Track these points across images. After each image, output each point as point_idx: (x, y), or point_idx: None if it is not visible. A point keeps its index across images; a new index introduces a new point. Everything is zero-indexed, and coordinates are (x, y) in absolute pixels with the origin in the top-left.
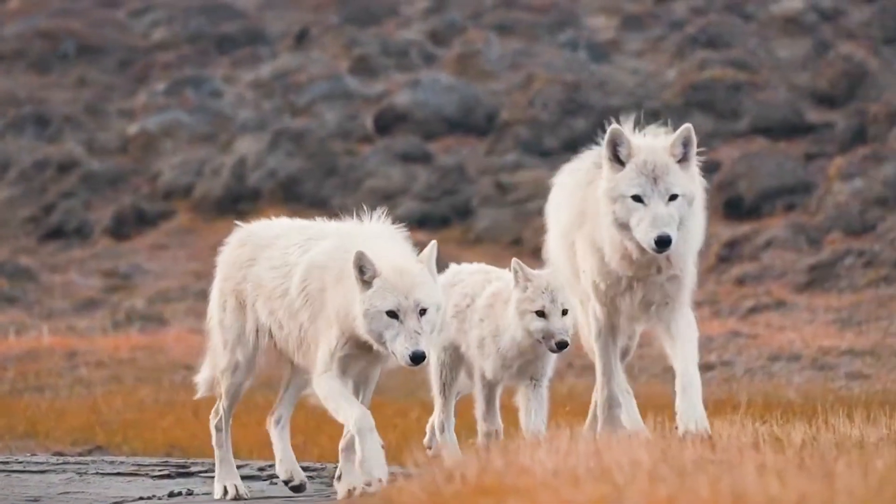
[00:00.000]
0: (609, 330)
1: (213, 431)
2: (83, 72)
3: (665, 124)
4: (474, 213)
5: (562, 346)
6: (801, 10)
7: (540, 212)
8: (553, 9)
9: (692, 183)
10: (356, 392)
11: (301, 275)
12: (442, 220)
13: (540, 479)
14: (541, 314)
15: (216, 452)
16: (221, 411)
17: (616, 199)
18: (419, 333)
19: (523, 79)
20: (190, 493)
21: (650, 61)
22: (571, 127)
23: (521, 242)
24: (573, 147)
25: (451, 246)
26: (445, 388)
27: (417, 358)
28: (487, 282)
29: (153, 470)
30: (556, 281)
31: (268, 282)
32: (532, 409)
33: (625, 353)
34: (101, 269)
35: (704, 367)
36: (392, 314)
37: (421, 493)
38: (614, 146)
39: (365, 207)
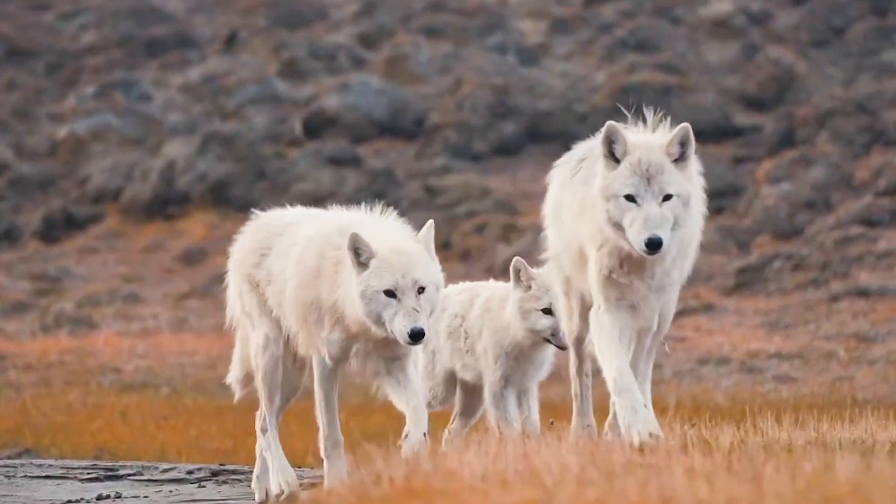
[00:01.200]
0: (614, 328)
1: (259, 434)
2: (12, 75)
3: (664, 119)
4: (403, 216)
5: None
6: (729, 13)
7: (468, 214)
8: (482, 12)
9: (688, 183)
10: (396, 381)
11: (297, 256)
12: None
13: (468, 482)
14: (547, 311)
15: (266, 457)
16: (264, 410)
17: (609, 197)
18: (418, 311)
19: (452, 82)
20: (118, 496)
21: (579, 65)
22: (500, 130)
23: (450, 246)
24: (502, 150)
25: None
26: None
27: (416, 335)
28: (476, 296)
29: (82, 473)
30: None
31: (276, 269)
32: (527, 406)
33: (645, 331)
34: (31, 273)
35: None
36: (390, 293)
37: (349, 495)
38: (610, 143)
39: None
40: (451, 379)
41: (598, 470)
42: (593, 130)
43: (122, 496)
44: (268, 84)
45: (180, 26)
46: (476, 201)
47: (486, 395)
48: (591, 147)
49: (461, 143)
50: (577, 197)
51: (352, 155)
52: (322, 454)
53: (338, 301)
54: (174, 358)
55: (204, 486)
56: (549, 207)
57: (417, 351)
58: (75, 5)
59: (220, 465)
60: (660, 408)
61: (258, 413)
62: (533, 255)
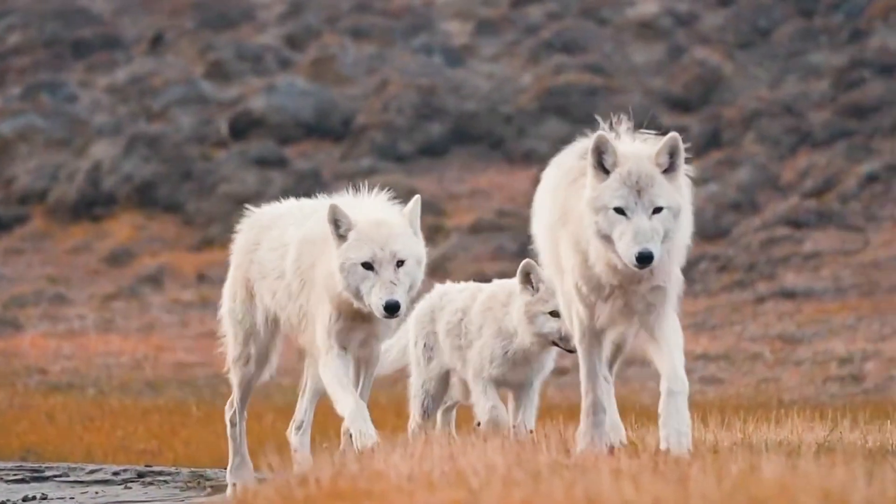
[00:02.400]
0: (593, 332)
1: (228, 425)
2: None
3: (658, 125)
4: None
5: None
6: (655, 14)
7: None
8: (408, 13)
9: (678, 194)
10: (357, 372)
11: (294, 253)
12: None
13: (394, 483)
14: (555, 314)
15: (230, 445)
16: (235, 404)
17: (599, 210)
18: (395, 284)
19: (378, 83)
20: (44, 497)
21: (505, 66)
22: (426, 131)
23: None
24: (428, 151)
25: None
26: (426, 415)
27: (391, 307)
28: (479, 291)
29: (7, 474)
30: None
31: (268, 263)
32: (523, 405)
33: (618, 350)
34: None
35: (558, 372)
36: (367, 266)
37: (275, 496)
38: (599, 154)
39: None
40: (444, 377)
41: (524, 471)
42: (519, 131)
43: (49, 497)
44: (194, 85)
45: (106, 27)
46: (402, 202)
47: (473, 388)
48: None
49: (387, 144)
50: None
51: (278, 156)
52: (350, 431)
53: (327, 279)
54: (100, 359)
55: (130, 488)
56: (546, 208)
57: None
58: (1, 6)
59: (146, 466)
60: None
61: (228, 404)
62: (459, 255)
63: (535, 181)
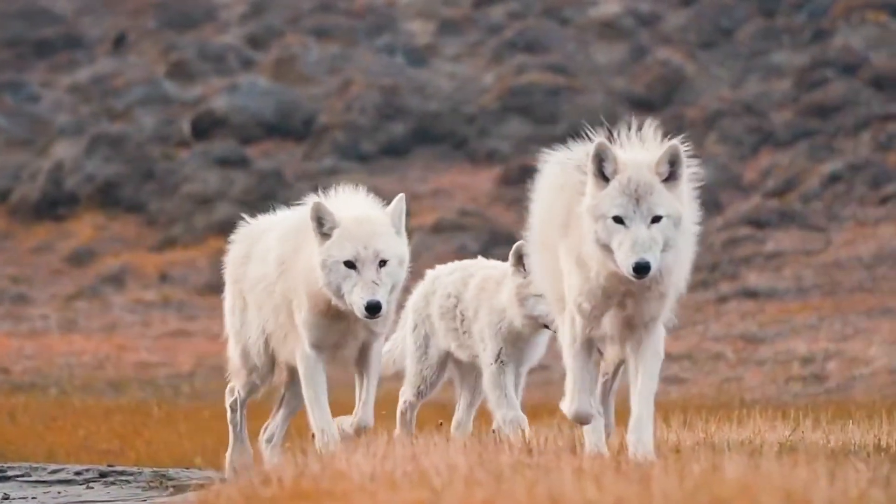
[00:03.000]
0: (584, 342)
1: (228, 410)
2: None
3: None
4: None
5: None
6: (618, 14)
7: None
8: (370, 13)
9: (678, 202)
10: (360, 378)
11: (275, 250)
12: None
13: (357, 483)
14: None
15: (230, 431)
16: (237, 392)
17: (598, 218)
18: (377, 284)
19: (341, 83)
20: (6, 497)
21: (468, 66)
22: (389, 131)
23: None
24: (391, 151)
25: None
26: (420, 395)
27: (373, 308)
28: (470, 276)
29: None
30: None
31: (256, 274)
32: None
33: (618, 367)
34: None
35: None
36: (350, 264)
37: (238, 496)
38: (600, 161)
39: (183, 212)
40: (443, 361)
41: (486, 471)
42: (482, 131)
43: (10, 497)
44: (156, 85)
45: (69, 27)
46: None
47: (485, 377)
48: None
49: (349, 143)
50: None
51: (240, 156)
52: (317, 447)
53: (308, 273)
54: (63, 359)
55: (92, 488)
56: (544, 211)
57: (377, 348)
58: None
59: (109, 465)
60: (549, 409)
61: (228, 389)
62: (422, 255)
63: (498, 181)
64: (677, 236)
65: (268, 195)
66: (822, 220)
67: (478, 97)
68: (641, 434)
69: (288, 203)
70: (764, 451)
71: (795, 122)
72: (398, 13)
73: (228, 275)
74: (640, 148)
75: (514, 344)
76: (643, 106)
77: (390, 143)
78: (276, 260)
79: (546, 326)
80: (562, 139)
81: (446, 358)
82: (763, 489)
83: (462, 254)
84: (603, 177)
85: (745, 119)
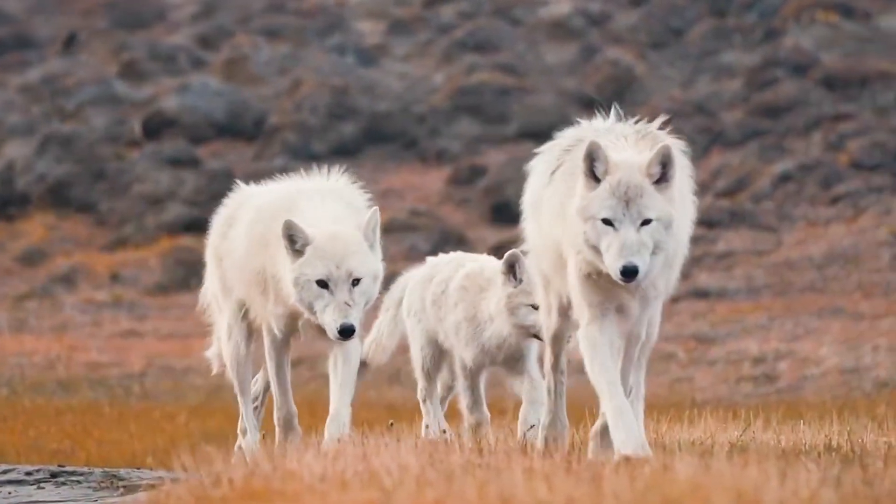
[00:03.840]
0: (603, 313)
1: (239, 435)
2: None
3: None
4: None
5: None
6: (568, 14)
7: None
8: (321, 13)
9: (670, 205)
10: (334, 366)
11: (245, 230)
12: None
13: (307, 483)
14: (537, 307)
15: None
16: (242, 409)
17: (587, 219)
18: (350, 305)
19: (291, 83)
20: None
21: (418, 66)
22: (339, 131)
23: None
24: (341, 151)
25: None
26: (429, 377)
27: (346, 331)
28: (461, 266)
29: None
30: None
31: (234, 240)
32: (521, 377)
33: (633, 339)
34: None
35: None
36: (322, 284)
37: (188, 496)
38: (591, 161)
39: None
40: (435, 342)
41: (437, 471)
42: (432, 131)
43: None
44: (107, 85)
45: (19, 27)
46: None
47: (458, 377)
48: (579, 137)
49: (300, 143)
50: (557, 193)
51: (191, 156)
52: (276, 425)
53: (277, 275)
54: (13, 359)
55: (43, 488)
56: (528, 200)
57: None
58: None
59: (59, 466)
60: (499, 409)
61: (242, 417)
62: None
63: (449, 180)
64: (668, 239)
65: (218, 195)
66: (773, 220)
67: (428, 97)
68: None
69: None
70: (715, 452)
71: (746, 122)
72: (348, 13)
73: (210, 238)
74: (634, 147)
75: (493, 352)
76: (593, 106)
77: (340, 143)
78: (246, 237)
79: (536, 336)
80: (512, 139)
81: (439, 350)
82: (714, 489)
83: (413, 254)
84: (594, 177)
85: (696, 119)
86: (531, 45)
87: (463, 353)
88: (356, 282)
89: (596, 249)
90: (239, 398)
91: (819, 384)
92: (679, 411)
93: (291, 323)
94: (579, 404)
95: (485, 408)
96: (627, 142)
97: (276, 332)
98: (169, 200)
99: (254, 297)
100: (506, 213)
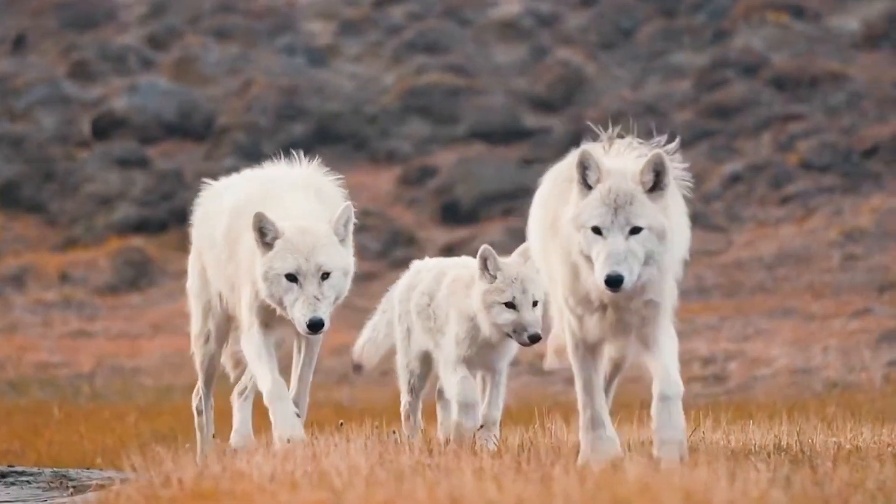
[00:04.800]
0: (586, 344)
1: (195, 414)
2: None
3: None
4: (192, 218)
5: (534, 339)
6: (518, 15)
7: None
8: (271, 14)
9: (662, 214)
10: (298, 349)
11: (225, 221)
12: (160, 225)
13: (257, 483)
14: (510, 306)
15: (197, 435)
16: (200, 390)
17: (579, 228)
18: (319, 300)
19: (241, 84)
20: None
21: (368, 66)
22: (289, 132)
23: None
24: (291, 152)
25: (169, 251)
26: (415, 393)
27: (315, 325)
28: (443, 274)
29: None
30: (526, 270)
31: (209, 234)
32: (489, 392)
33: (616, 368)
34: None
35: None
36: (291, 277)
37: (138, 497)
38: (583, 169)
39: (84, 213)
40: (426, 356)
41: (386, 471)
42: (382, 132)
43: None
44: (57, 85)
45: None
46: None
47: (441, 365)
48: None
49: (250, 144)
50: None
51: (140, 156)
52: (266, 402)
53: (250, 268)
54: None
55: None
56: (539, 215)
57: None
58: None
59: (9, 466)
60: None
61: (194, 392)
62: None
63: (399, 181)
64: (661, 249)
65: (168, 195)
66: (723, 221)
67: (378, 97)
68: (672, 410)
69: (187, 204)
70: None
71: (696, 122)
72: (298, 13)
73: (192, 237)
74: (630, 153)
75: (482, 348)
76: (543, 106)
77: (291, 144)
78: (222, 233)
79: (510, 335)
80: (462, 139)
81: (427, 363)
82: (663, 489)
83: (363, 254)
84: (586, 185)
85: (646, 119)
86: (481, 45)
87: (453, 350)
88: (326, 276)
89: (589, 259)
90: (202, 387)
91: (769, 385)
92: (629, 411)
93: (267, 315)
94: (528, 405)
95: (477, 412)
96: (622, 151)
97: (253, 325)
98: (119, 200)
99: (230, 288)
100: (456, 212)
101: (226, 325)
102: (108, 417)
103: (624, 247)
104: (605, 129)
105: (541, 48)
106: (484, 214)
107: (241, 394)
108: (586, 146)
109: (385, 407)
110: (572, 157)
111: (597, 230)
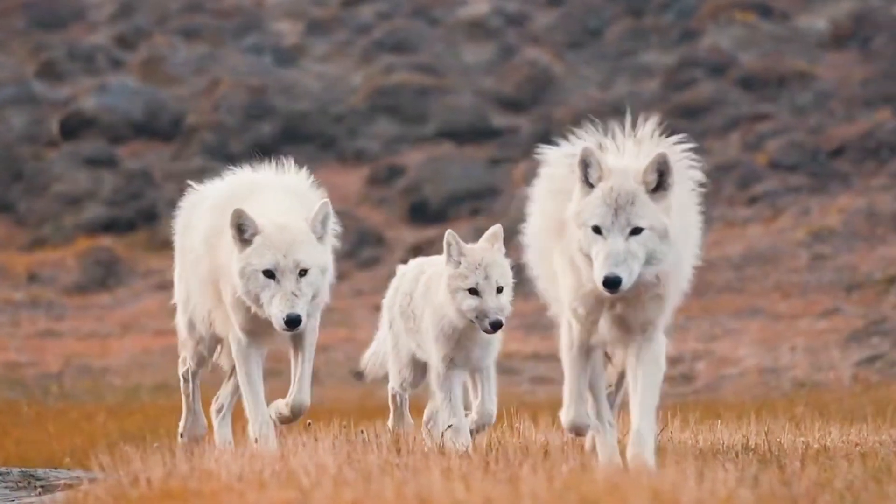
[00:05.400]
0: (582, 347)
1: (181, 380)
2: None
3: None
4: (160, 217)
5: (496, 326)
6: (486, 14)
7: None
8: (238, 13)
9: (665, 214)
10: (294, 355)
11: (205, 221)
12: (128, 225)
13: (225, 483)
14: (473, 292)
15: (183, 402)
16: (189, 363)
17: (580, 226)
18: (297, 296)
19: (209, 83)
20: None
21: (336, 66)
22: (257, 131)
23: None
24: (259, 152)
25: (137, 251)
26: (398, 401)
27: (292, 322)
28: (422, 273)
29: None
30: (491, 256)
31: (188, 243)
32: (480, 388)
33: (622, 377)
34: None
35: None
36: (269, 274)
37: (106, 496)
38: (585, 167)
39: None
40: (416, 361)
41: (355, 471)
42: (350, 131)
43: None
44: (25, 85)
45: None
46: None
47: (432, 376)
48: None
49: (218, 143)
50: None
51: (109, 156)
52: (251, 436)
53: (230, 270)
54: None
55: None
56: (538, 213)
57: (311, 334)
58: None
59: None
60: (417, 409)
61: (180, 360)
62: None
63: (367, 180)
64: (664, 249)
65: (136, 195)
66: None
67: (346, 97)
68: (642, 449)
69: (155, 203)
70: None
71: (664, 122)
72: (266, 13)
73: (176, 244)
74: (635, 150)
75: (460, 341)
76: (511, 106)
77: (258, 143)
78: (203, 233)
79: (472, 322)
80: (430, 139)
81: (418, 370)
82: (631, 489)
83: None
84: (588, 183)
85: (613, 119)
86: (449, 45)
87: (435, 352)
88: (304, 273)
89: (589, 258)
90: (191, 366)
91: (737, 384)
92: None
93: (252, 321)
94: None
95: (461, 411)
96: (626, 149)
97: (240, 333)
98: (87, 200)
99: (211, 296)
100: (424, 212)
101: (213, 342)
102: (77, 417)
103: (623, 247)
104: (575, 128)
105: (509, 48)
106: (452, 214)
107: (218, 412)
108: (587, 145)
109: (353, 406)
110: (564, 155)
111: (597, 229)
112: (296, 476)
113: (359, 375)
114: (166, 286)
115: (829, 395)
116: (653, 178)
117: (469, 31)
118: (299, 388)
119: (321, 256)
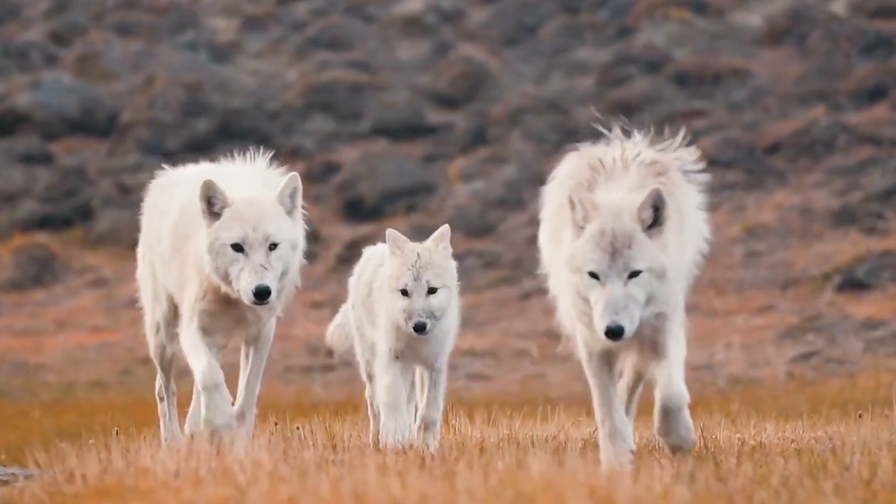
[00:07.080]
0: (601, 354)
1: (157, 400)
2: None
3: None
4: (96, 214)
5: (418, 328)
6: (421, 11)
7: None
8: (174, 10)
9: (664, 252)
10: (245, 359)
11: (172, 219)
12: (64, 221)
13: (161, 479)
14: (404, 293)
15: (161, 423)
16: (159, 378)
17: (575, 271)
18: (266, 269)
19: (144, 80)
20: None
21: (271, 62)
22: (193, 128)
23: None
24: (194, 148)
25: (73, 247)
26: (371, 380)
27: (262, 293)
28: (380, 265)
29: None
30: (427, 256)
31: (156, 228)
32: (428, 394)
33: (639, 377)
34: None
35: (324, 368)
36: (238, 247)
37: (42, 493)
38: (572, 208)
39: None
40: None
41: (290, 467)
42: (285, 128)
43: None
44: None
45: None
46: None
47: (375, 361)
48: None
49: (153, 140)
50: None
51: (43, 153)
52: (186, 432)
53: (197, 257)
54: None
55: None
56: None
57: (268, 333)
58: None
59: None
60: (352, 405)
61: (157, 379)
62: None
63: (302, 177)
64: (661, 288)
65: (72, 192)
66: None
67: (281, 94)
68: (683, 389)
69: (90, 200)
70: (568, 448)
71: (599, 119)
72: (201, 10)
73: (141, 227)
74: (624, 178)
75: (409, 344)
76: (446, 103)
77: (194, 140)
78: (170, 226)
79: (402, 323)
80: (365, 136)
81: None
82: (567, 486)
83: None
84: (578, 225)
85: (549, 116)
86: (384, 41)
87: (384, 343)
88: (273, 247)
89: (587, 302)
90: (160, 377)
91: None
92: (532, 408)
93: (212, 319)
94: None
95: (399, 398)
96: (629, 172)
97: (198, 326)
98: (22, 197)
99: (176, 285)
100: (360, 209)
101: (174, 319)
102: (12, 414)
103: (623, 293)
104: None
105: (443, 44)
106: (388, 210)
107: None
108: (581, 152)
109: (288, 403)
110: (577, 162)
111: (594, 275)
112: (232, 473)
113: (329, 353)
114: (102, 283)
115: (764, 392)
116: (648, 215)
117: (404, 27)
118: (245, 397)
119: (291, 230)
